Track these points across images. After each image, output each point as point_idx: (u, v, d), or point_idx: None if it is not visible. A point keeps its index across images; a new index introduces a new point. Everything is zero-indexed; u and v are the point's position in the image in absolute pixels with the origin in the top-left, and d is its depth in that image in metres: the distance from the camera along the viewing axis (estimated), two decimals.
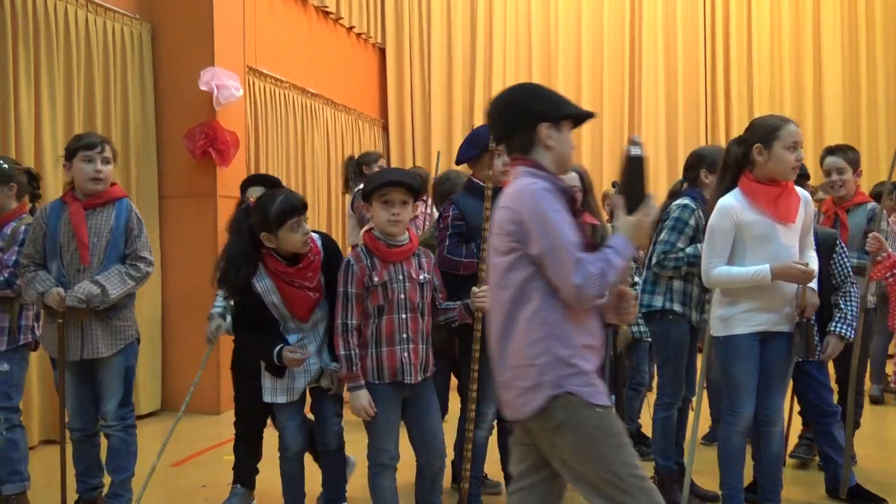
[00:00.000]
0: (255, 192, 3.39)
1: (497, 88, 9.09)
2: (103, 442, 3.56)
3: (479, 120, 9.26)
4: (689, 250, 3.57)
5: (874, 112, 8.42)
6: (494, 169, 3.27)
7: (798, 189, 3.23)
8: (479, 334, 3.03)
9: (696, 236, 3.57)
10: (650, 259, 3.71)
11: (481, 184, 3.33)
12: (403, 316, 2.96)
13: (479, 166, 3.39)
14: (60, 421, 3.48)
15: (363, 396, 2.92)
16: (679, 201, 3.73)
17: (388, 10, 9.42)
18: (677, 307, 3.64)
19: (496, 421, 3.46)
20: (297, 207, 2.96)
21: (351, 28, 8.75)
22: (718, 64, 8.81)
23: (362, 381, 2.94)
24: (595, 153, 9.02)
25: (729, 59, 8.78)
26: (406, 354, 2.96)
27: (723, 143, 8.71)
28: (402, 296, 2.96)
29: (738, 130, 8.95)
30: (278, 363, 3.00)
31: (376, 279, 2.94)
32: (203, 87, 5.57)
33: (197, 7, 5.75)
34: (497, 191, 3.38)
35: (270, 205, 2.94)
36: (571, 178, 3.70)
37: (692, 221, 3.61)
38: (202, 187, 5.77)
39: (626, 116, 8.99)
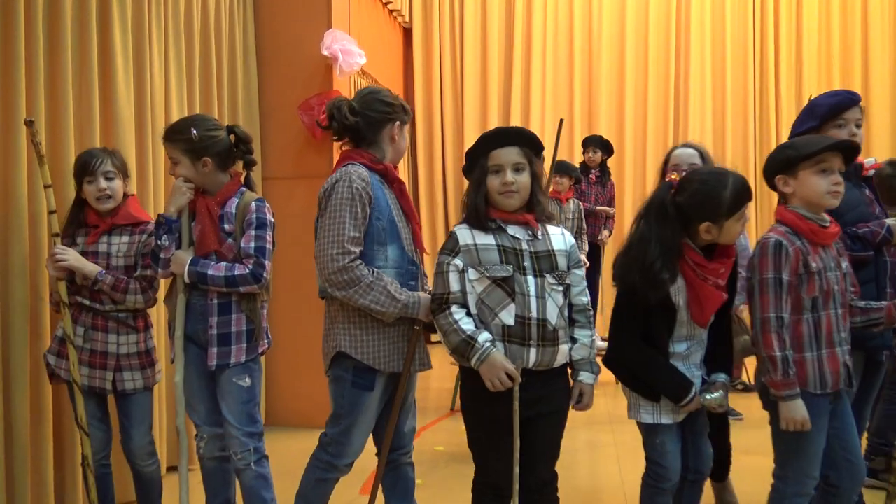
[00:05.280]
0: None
1: (537, 77, 8.79)
2: None
3: (516, 109, 8.78)
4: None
5: None
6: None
7: None
8: None
9: None
10: None
11: None
12: (840, 311, 2.49)
13: None
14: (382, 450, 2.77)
15: (802, 407, 2.40)
16: None
17: None
18: None
19: None
20: (750, 192, 2.45)
21: (387, 3, 8.06)
22: (768, 64, 8.61)
23: (798, 389, 2.42)
24: (638, 150, 8.70)
25: (779, 59, 8.59)
26: (848, 357, 2.50)
27: (771, 147, 8.77)
28: (836, 287, 2.48)
29: (786, 131, 8.90)
30: (681, 404, 2.49)
31: (813, 265, 2.43)
32: (325, 53, 4.82)
33: None
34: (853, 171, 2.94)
35: (721, 188, 2.40)
36: (690, 156, 3.22)
37: None
38: (314, 167, 4.94)
39: (671, 106, 8.69)
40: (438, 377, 6.04)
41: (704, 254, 2.46)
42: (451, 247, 2.46)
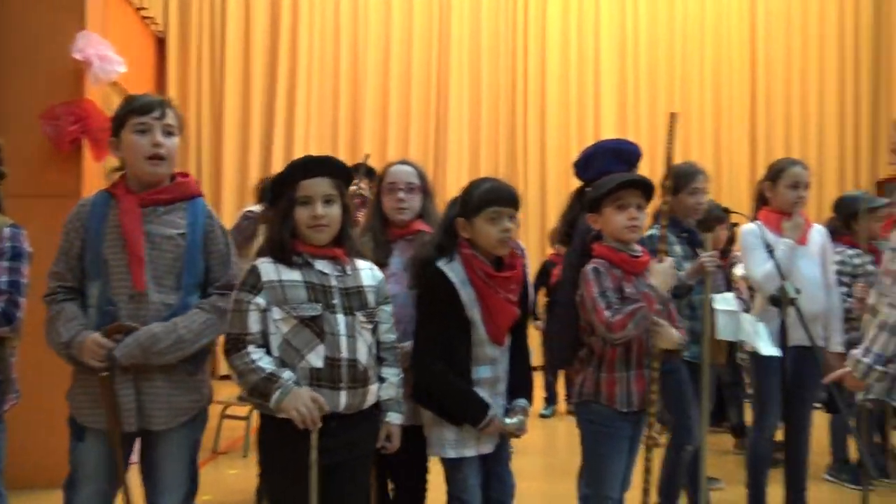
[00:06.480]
0: None
1: (301, 95, 8.61)
2: None
3: (279, 128, 8.50)
4: None
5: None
6: None
7: None
8: None
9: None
10: None
11: None
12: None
13: None
14: None
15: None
16: None
17: None
18: None
19: None
20: (504, 197, 2.49)
21: (139, 9, 7.42)
22: (518, 108, 9.14)
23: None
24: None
25: (527, 104, 9.14)
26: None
27: (518, 180, 9.28)
28: None
29: (533, 167, 9.50)
30: (479, 426, 2.46)
31: (628, 289, 2.52)
32: (77, 56, 4.28)
33: None
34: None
35: (476, 188, 2.53)
36: (408, 174, 2.98)
37: None
38: (58, 185, 4.33)
39: (433, 117, 8.95)
40: None
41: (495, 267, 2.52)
42: (253, 283, 2.23)
